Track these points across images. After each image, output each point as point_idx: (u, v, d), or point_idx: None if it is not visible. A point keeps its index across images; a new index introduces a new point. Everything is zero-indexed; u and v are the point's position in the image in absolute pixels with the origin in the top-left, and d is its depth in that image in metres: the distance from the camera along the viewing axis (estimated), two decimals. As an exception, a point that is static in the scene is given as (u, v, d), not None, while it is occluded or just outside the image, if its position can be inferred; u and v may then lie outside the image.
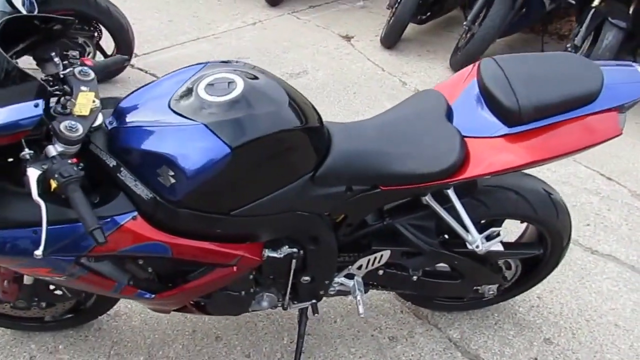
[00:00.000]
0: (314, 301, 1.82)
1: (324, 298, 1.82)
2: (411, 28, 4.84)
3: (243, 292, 1.67)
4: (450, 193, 1.62)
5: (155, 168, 1.32)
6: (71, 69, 1.40)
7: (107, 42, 3.56)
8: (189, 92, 1.37)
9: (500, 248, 1.81)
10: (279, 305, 1.80)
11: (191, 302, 1.68)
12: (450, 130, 1.54)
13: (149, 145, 1.33)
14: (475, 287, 1.95)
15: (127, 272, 1.50)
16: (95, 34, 3.49)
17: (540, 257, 2.03)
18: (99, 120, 1.36)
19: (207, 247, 1.47)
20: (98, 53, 3.57)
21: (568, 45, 3.65)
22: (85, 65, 1.43)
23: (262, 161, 1.38)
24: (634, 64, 1.63)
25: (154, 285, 1.55)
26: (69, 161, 1.23)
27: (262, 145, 1.35)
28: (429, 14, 4.59)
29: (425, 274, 1.85)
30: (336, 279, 1.77)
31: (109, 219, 1.36)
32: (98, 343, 1.98)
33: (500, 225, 1.92)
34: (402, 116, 1.65)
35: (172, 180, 1.32)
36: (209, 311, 1.73)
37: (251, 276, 1.64)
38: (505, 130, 1.51)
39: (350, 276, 1.78)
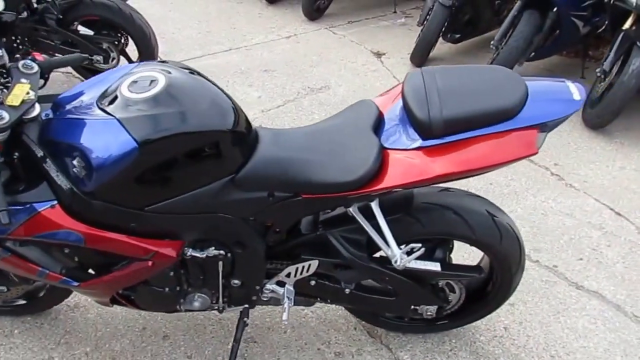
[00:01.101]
0: (246, 306, 1.87)
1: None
2: (448, 47, 4.84)
3: (167, 289, 1.74)
4: (374, 206, 1.62)
5: (72, 159, 1.44)
6: (15, 62, 1.53)
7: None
8: (114, 89, 1.47)
9: (437, 268, 1.79)
10: (215, 307, 1.85)
11: (120, 295, 1.76)
12: (371, 141, 1.56)
13: (67, 137, 1.45)
14: (412, 307, 1.93)
15: (53, 259, 1.62)
16: (122, 40, 3.72)
17: (488, 283, 1.99)
18: (36, 112, 1.48)
19: (121, 239, 1.56)
20: (123, 58, 3.79)
21: (597, 70, 3.52)
22: (34, 59, 1.55)
23: (173, 159, 1.45)
24: (566, 80, 1.59)
25: (79, 274, 1.66)
26: None
27: (173, 143, 1.42)
28: (458, 35, 4.55)
29: (359, 288, 1.86)
30: (267, 286, 1.80)
31: (28, 205, 1.50)
32: (51, 331, 2.11)
33: (452, 246, 1.92)
34: (332, 125, 1.68)
35: (84, 172, 1.42)
36: (138, 305, 1.81)
37: (172, 273, 1.69)
38: (419, 143, 1.51)
39: (281, 284, 1.81)
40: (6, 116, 1.39)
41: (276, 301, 1.87)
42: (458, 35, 4.60)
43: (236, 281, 1.77)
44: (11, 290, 1.98)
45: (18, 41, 3.52)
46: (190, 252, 1.65)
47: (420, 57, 4.43)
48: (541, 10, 3.74)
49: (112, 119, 1.41)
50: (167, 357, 2.05)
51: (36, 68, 1.52)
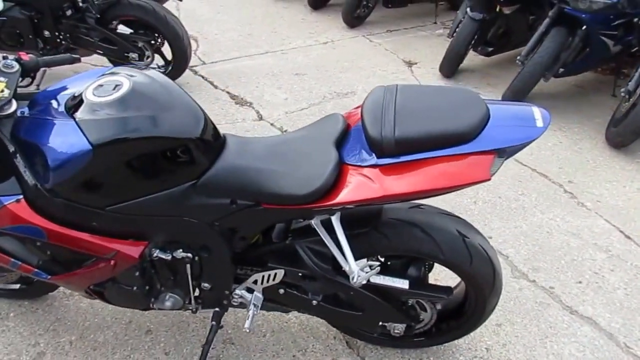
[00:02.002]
0: (217, 309, 1.86)
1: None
2: (481, 59, 4.71)
3: (135, 288, 1.72)
4: (334, 220, 1.57)
5: (35, 157, 1.46)
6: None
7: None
8: (82, 91, 1.48)
9: (404, 286, 1.73)
10: (189, 308, 1.85)
11: (92, 290, 1.77)
12: (330, 156, 1.51)
13: (33, 135, 1.47)
14: (380, 323, 1.87)
15: (27, 251, 1.65)
16: (158, 40, 3.81)
17: (465, 304, 1.91)
18: (12, 108, 1.52)
19: (83, 237, 1.57)
20: (158, 57, 3.88)
21: (622, 90, 3.34)
22: (18, 58, 1.59)
23: (128, 163, 1.44)
24: (532, 105, 1.49)
25: (50, 267, 1.68)
26: None
27: (127, 147, 1.42)
28: (491, 49, 4.40)
29: (327, 301, 1.80)
30: (237, 291, 1.78)
31: None
32: (43, 317, 2.16)
33: (429, 265, 1.85)
34: (298, 137, 1.64)
35: (46, 170, 1.44)
36: (109, 300, 1.82)
37: (137, 273, 1.68)
38: (373, 161, 1.45)
39: (250, 290, 1.78)
40: None
41: (244, 306, 1.84)
42: (491, 49, 4.46)
43: (206, 284, 1.75)
44: (5, 275, 2.05)
45: (61, 37, 3.67)
46: (157, 253, 1.64)
47: (449, 68, 4.32)
48: (570, 27, 3.57)
49: (70, 121, 1.42)
50: (146, 353, 2.05)
51: (16, 67, 1.54)
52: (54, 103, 1.52)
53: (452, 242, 1.67)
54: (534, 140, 1.42)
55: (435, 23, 5.66)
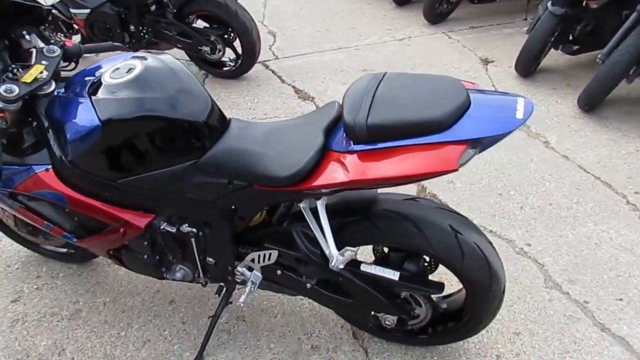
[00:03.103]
0: (221, 284, 1.95)
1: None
2: (567, 59, 4.41)
3: (145, 256, 1.86)
4: (319, 204, 1.59)
5: (60, 132, 1.62)
6: (40, 46, 1.75)
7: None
8: (102, 73, 1.62)
9: (394, 277, 1.69)
10: (199, 281, 1.95)
11: (113, 255, 1.93)
12: (315, 141, 1.52)
13: (60, 113, 1.63)
14: (372, 312, 1.84)
15: (59, 216, 1.83)
16: (232, 35, 3.96)
17: (463, 304, 1.83)
18: (51, 88, 1.69)
19: (97, 205, 1.73)
20: (229, 50, 4.04)
21: None
22: (62, 45, 1.75)
23: (134, 140, 1.56)
24: (519, 96, 1.39)
25: (77, 232, 1.86)
26: None
27: (133, 125, 1.53)
28: (577, 47, 4.07)
29: (320, 285, 1.82)
30: (238, 268, 1.85)
31: (28, 167, 1.73)
32: (86, 279, 2.39)
33: (437, 264, 1.80)
34: (294, 124, 1.66)
35: (66, 144, 1.60)
36: (127, 266, 1.97)
37: (145, 242, 1.81)
38: (350, 146, 1.45)
39: (251, 269, 1.85)
40: (16, 90, 1.61)
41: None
42: (576, 47, 4.12)
43: (210, 259, 1.84)
44: (53, 239, 2.26)
45: (144, 31, 3.94)
46: (164, 225, 1.76)
47: (523, 66, 4.07)
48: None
49: (87, 100, 1.57)
50: (166, 320, 2.19)
51: (57, 52, 1.72)
52: (82, 84, 1.65)
53: (443, 238, 1.62)
54: (510, 132, 1.34)
55: (526, 19, 5.34)
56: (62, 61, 1.77)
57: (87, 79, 1.67)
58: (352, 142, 1.45)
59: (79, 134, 1.56)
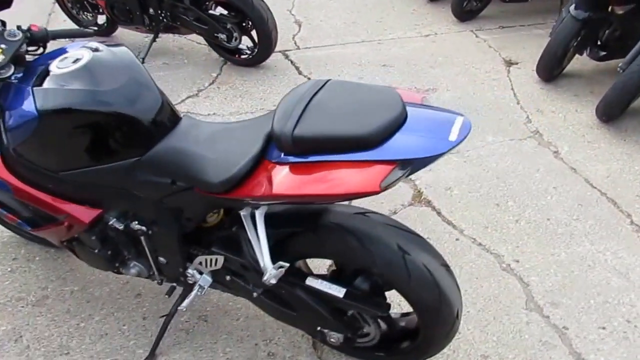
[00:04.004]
0: (174, 284, 1.91)
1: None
2: (594, 64, 4.18)
3: (96, 250, 1.81)
4: (258, 213, 1.52)
5: (5, 119, 1.58)
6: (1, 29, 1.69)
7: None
8: (51, 62, 1.57)
9: (338, 294, 1.62)
10: (154, 279, 1.91)
11: (65, 245, 1.90)
12: (253, 148, 1.44)
13: (6, 99, 1.57)
14: (317, 328, 1.78)
15: (16, 203, 1.82)
16: (249, 23, 3.91)
17: (418, 327, 1.75)
18: (8, 73, 1.61)
19: (40, 197, 1.68)
20: (247, 38, 4.00)
21: None
22: (27, 29, 1.69)
23: (72, 133, 1.49)
24: (458, 114, 1.30)
25: (30, 221, 1.83)
26: None
27: (70, 118, 1.46)
28: (604, 53, 3.85)
29: (266, 295, 1.75)
30: (189, 270, 1.79)
31: None
32: (60, 266, 2.36)
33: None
34: (241, 126, 1.58)
35: (7, 132, 1.57)
36: (81, 257, 1.94)
37: (94, 237, 1.76)
38: (280, 157, 1.38)
39: (200, 271, 1.79)
40: None
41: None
42: (604, 53, 3.91)
43: (162, 258, 1.79)
44: None
45: (163, 14, 3.93)
46: (112, 221, 1.70)
47: (545, 70, 3.88)
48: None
49: (28, 89, 1.51)
50: (128, 314, 2.17)
51: (19, 36, 1.64)
52: (34, 71, 1.59)
53: (389, 257, 1.53)
54: (441, 154, 1.25)
55: (560, 21, 5.08)
56: (26, 46, 1.69)
57: (40, 66, 1.61)
58: (282, 153, 1.38)
59: (18, 122, 1.51)
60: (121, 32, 4.51)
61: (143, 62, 4.16)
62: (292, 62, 4.29)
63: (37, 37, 1.73)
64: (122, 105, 1.49)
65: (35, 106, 1.47)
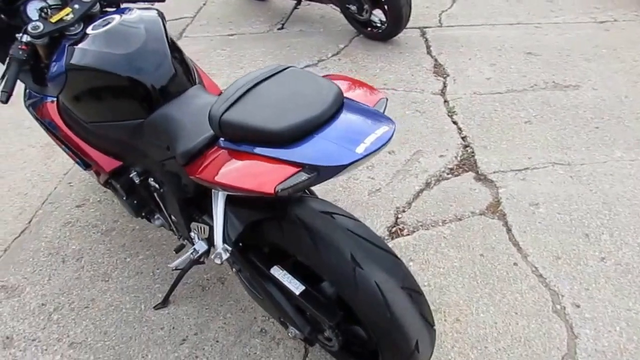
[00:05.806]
0: (185, 242, 1.98)
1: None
2: None
3: (124, 197, 1.96)
4: (220, 195, 1.48)
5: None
6: None
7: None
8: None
9: (295, 290, 1.52)
10: (175, 233, 2.01)
11: (106, 185, 2.05)
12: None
13: (59, 52, 1.74)
14: (280, 318, 1.70)
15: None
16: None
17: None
18: (78, 30, 1.77)
19: (76, 141, 1.88)
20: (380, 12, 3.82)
21: None
22: None
23: (90, 89, 1.65)
24: (388, 123, 1.17)
25: (81, 162, 2.03)
26: (19, 47, 1.75)
27: (88, 76, 1.62)
28: None
29: (242, 273, 1.73)
30: (191, 233, 1.80)
31: (42, 96, 1.95)
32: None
33: None
34: None
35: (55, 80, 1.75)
36: (119, 198, 2.08)
37: (119, 186, 1.92)
38: (219, 141, 1.35)
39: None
40: (40, 27, 1.76)
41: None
42: None
43: (173, 217, 1.86)
44: None
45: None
46: (132, 175, 1.83)
47: None
48: None
49: (64, 46, 1.69)
50: (164, 260, 2.31)
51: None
52: (86, 30, 1.74)
53: (339, 266, 1.37)
54: (345, 166, 1.11)
55: None
56: (100, 7, 1.86)
57: (90, 26, 1.74)
58: (222, 138, 1.32)
59: (54, 74, 1.69)
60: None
61: (282, 28, 4.25)
62: (426, 40, 3.99)
63: (109, 1, 1.89)
64: (129, 69, 1.59)
65: (65, 62, 1.64)
